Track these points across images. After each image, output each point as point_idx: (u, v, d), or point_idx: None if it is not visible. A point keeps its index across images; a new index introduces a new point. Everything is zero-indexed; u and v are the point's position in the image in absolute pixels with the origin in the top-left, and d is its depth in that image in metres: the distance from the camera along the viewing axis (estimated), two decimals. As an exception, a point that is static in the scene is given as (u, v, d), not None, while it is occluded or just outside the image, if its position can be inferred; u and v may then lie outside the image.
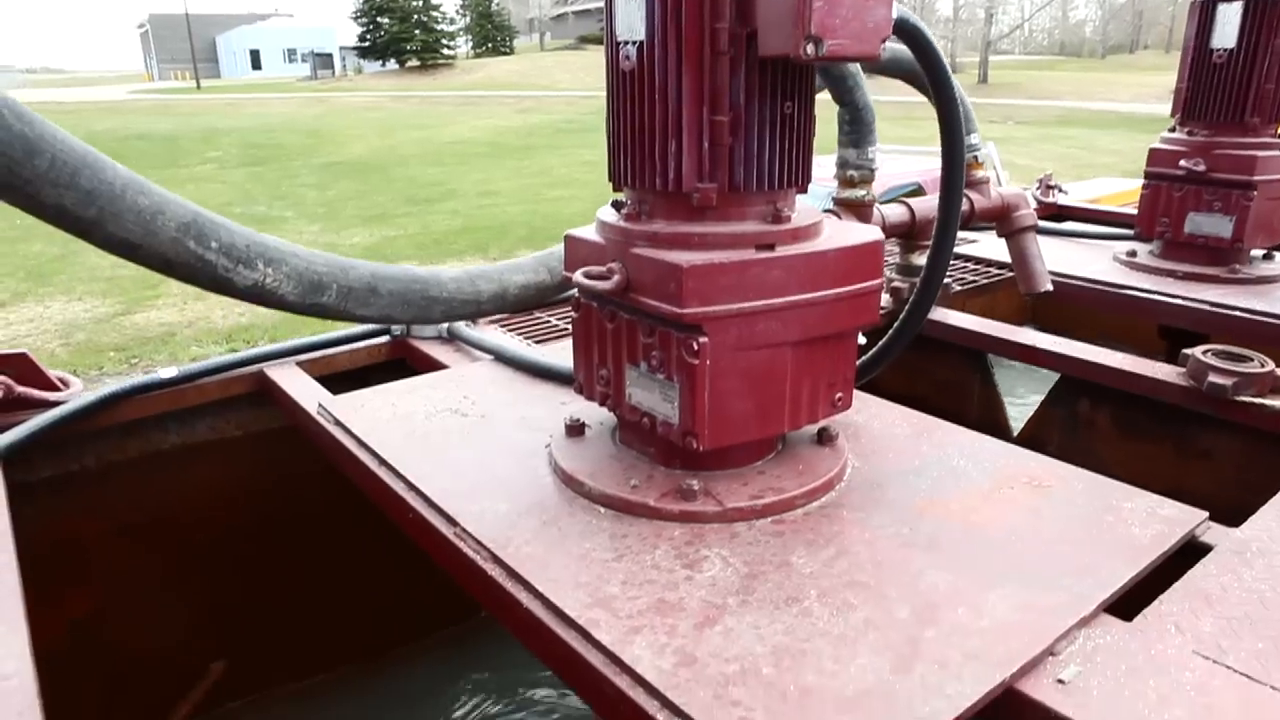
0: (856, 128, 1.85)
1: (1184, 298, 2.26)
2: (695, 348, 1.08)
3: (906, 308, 1.37)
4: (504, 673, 2.24)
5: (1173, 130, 2.53)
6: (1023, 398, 2.98)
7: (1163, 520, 1.15)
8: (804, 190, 1.19)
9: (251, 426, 1.90)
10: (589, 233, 1.21)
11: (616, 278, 1.12)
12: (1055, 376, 1.98)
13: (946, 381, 2.18)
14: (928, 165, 5.19)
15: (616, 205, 1.20)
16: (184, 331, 5.20)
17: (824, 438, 1.29)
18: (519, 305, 1.51)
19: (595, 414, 1.38)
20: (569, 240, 1.23)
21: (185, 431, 1.84)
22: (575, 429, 1.33)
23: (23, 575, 1.01)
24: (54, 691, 0.74)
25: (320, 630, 2.12)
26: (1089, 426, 1.94)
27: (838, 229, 1.20)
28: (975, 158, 2.12)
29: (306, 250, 1.35)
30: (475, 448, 1.34)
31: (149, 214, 1.16)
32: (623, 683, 0.86)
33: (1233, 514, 1.20)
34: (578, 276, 1.15)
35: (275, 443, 1.92)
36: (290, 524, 2.00)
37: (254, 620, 2.01)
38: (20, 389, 1.59)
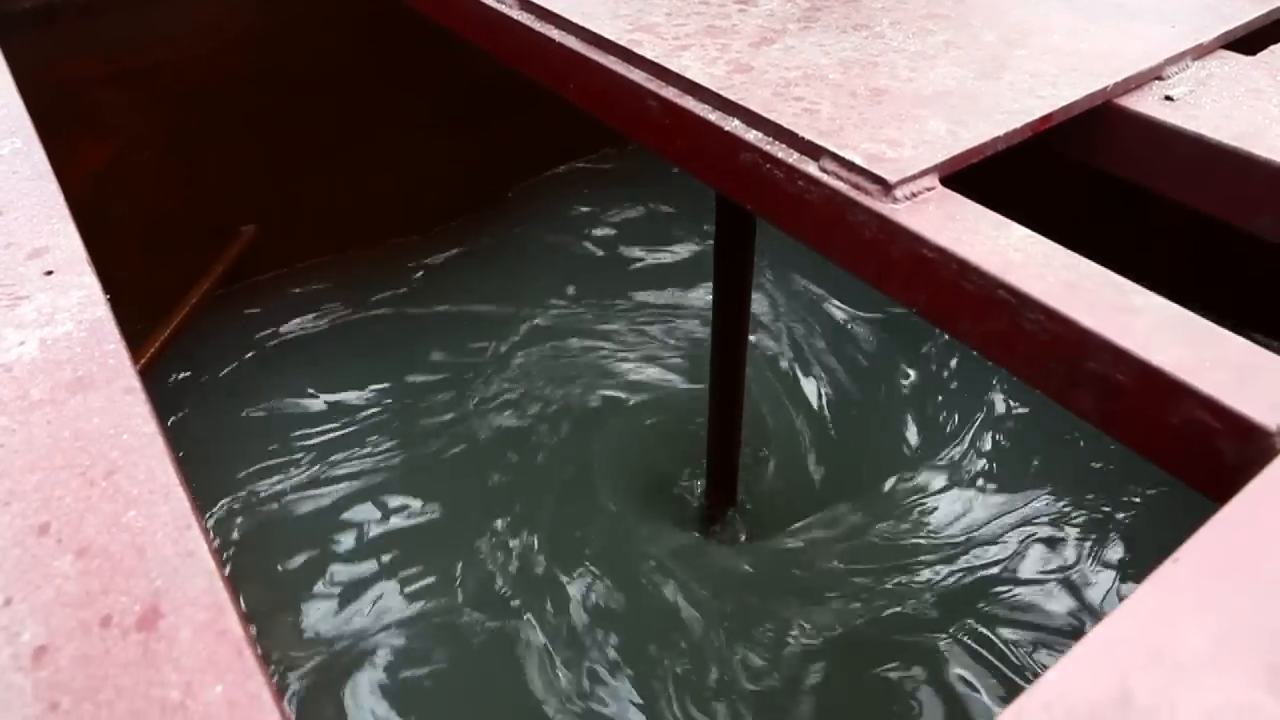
0: None
1: None
2: None
3: None
4: (535, 250, 2.24)
5: None
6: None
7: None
8: None
9: (247, -42, 1.71)
10: None
11: None
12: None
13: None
14: None
15: None
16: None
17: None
18: None
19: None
20: None
21: (173, -40, 1.66)
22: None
23: (33, 119, 0.91)
24: (93, 246, 0.66)
25: (352, 201, 2.08)
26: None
27: None
28: None
29: None
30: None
31: None
32: (670, 93, 0.77)
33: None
34: None
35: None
36: (308, 83, 1.88)
37: (282, 186, 1.96)
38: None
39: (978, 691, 1.38)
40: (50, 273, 0.62)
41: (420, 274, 2.13)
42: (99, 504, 0.45)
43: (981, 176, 0.71)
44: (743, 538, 1.65)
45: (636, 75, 0.79)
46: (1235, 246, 1.66)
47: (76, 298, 0.59)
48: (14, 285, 0.61)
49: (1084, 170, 0.93)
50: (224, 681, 0.37)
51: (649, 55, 0.79)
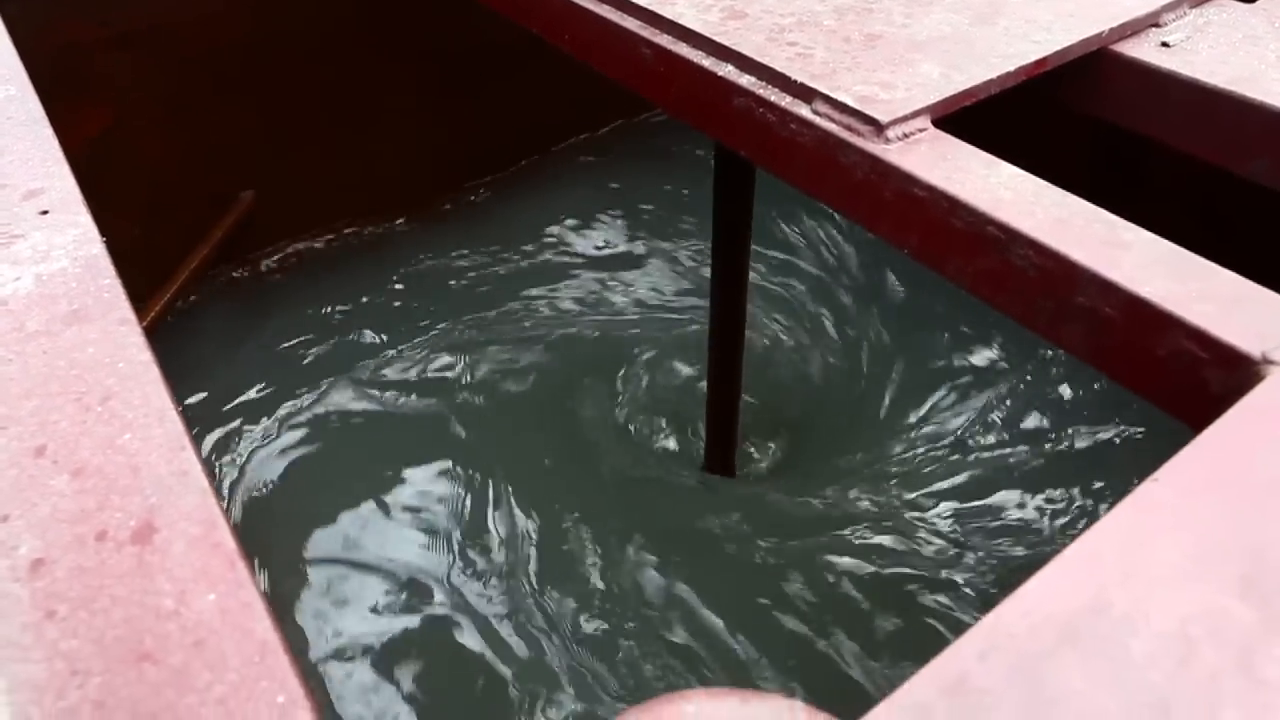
0: None
1: None
2: None
3: None
4: (536, 225, 2.23)
5: None
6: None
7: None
8: None
9: (243, -78, 1.70)
10: None
11: None
12: None
13: None
14: None
15: None
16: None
17: None
18: None
19: None
20: None
21: (167, -78, 1.64)
22: None
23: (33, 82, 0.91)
24: (96, 208, 0.66)
25: (352, 167, 2.07)
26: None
27: None
28: None
29: None
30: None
31: None
32: (664, 40, 0.77)
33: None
34: None
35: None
36: (307, 47, 1.87)
37: (281, 152, 1.96)
38: None
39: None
40: (45, 212, 0.62)
41: (421, 242, 2.13)
42: (94, 427, 0.46)
43: (979, 132, 0.71)
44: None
45: (630, 23, 0.79)
46: (1233, 206, 1.65)
47: (72, 235, 0.60)
48: (10, 224, 0.61)
49: (1083, 129, 0.92)
50: (216, 591, 0.38)
51: (642, 3, 0.79)
